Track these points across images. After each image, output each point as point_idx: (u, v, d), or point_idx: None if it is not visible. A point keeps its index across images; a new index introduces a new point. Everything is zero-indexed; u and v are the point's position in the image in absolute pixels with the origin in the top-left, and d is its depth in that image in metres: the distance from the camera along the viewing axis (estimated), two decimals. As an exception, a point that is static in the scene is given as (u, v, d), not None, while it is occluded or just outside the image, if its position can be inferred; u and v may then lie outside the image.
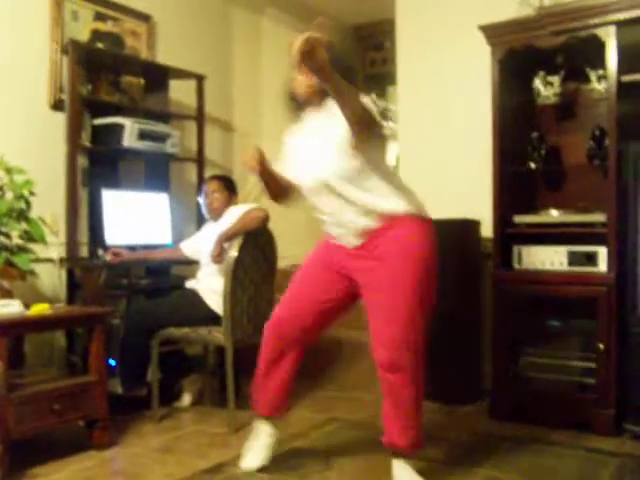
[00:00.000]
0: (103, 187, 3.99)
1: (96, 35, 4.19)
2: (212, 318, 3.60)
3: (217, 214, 3.90)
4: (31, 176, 3.20)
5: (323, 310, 2.81)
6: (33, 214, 3.20)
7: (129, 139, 3.97)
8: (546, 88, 3.79)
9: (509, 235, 3.69)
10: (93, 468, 2.96)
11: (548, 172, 3.85)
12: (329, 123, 2.58)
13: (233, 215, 3.68)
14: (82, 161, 3.98)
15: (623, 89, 3.33)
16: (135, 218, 4.15)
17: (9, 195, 3.14)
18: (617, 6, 3.26)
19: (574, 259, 3.49)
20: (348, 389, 4.30)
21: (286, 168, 2.82)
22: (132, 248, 3.97)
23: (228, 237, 3.55)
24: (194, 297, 3.71)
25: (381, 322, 2.59)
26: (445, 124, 4.31)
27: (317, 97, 2.66)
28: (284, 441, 3.12)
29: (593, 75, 3.65)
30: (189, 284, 3.84)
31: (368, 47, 7.00)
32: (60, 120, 3.87)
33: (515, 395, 3.59)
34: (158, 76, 4.50)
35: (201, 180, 4.46)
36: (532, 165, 3.78)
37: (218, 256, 3.57)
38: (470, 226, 4.04)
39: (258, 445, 2.93)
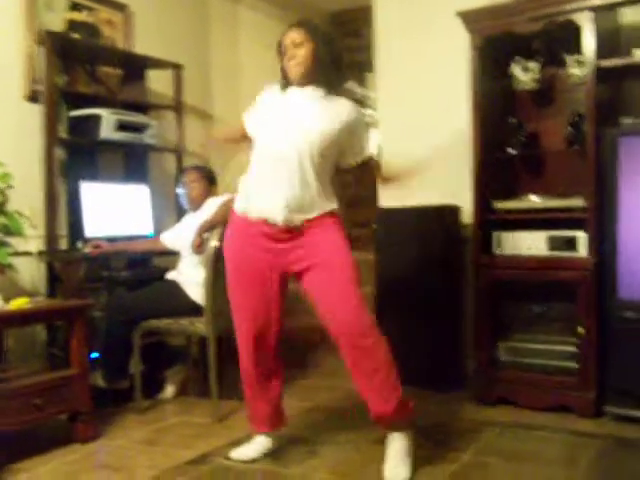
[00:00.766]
0: (82, 179, 3.96)
1: (72, 25, 4.13)
2: (194, 309, 3.59)
3: (196, 204, 3.88)
4: (8, 169, 3.16)
5: (272, 310, 2.85)
6: (10, 207, 3.17)
7: (107, 130, 3.94)
8: (524, 74, 3.79)
9: (489, 221, 3.70)
10: (77, 462, 2.95)
11: (527, 157, 3.86)
12: (326, 106, 2.72)
13: (213, 205, 3.67)
14: (60, 153, 3.93)
15: (600, 74, 3.34)
16: (115, 210, 4.12)
17: (-14, 189, 3.11)
18: (593, -9, 3.28)
19: (554, 244, 3.50)
20: (329, 377, 4.31)
21: (256, 123, 2.84)
22: (112, 240, 3.95)
23: (208, 227, 3.53)
24: (175, 288, 3.70)
25: (338, 295, 2.65)
26: (424, 110, 4.31)
27: (309, 72, 2.71)
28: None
29: (571, 60, 3.65)
30: (170, 275, 3.82)
31: (346, 34, 6.95)
32: (36, 112, 3.82)
33: (497, 380, 3.62)
34: (135, 66, 4.47)
35: (180, 171, 4.44)
36: (511, 151, 3.78)
37: (198, 247, 3.55)
38: (450, 212, 4.05)
39: (254, 447, 2.96)
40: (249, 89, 5.52)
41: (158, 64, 4.49)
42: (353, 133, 2.78)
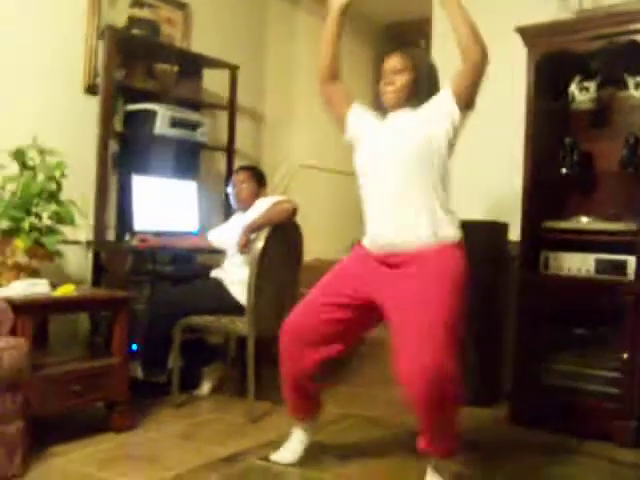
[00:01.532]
0: (133, 172, 4.01)
1: (132, 21, 4.19)
2: (236, 308, 3.61)
3: (245, 205, 3.91)
4: (63, 158, 3.22)
5: (338, 326, 2.71)
6: (63, 196, 3.22)
7: (161, 126, 4.00)
8: (581, 93, 3.75)
9: (537, 240, 3.66)
10: (111, 450, 2.99)
11: (580, 178, 3.80)
12: (421, 121, 2.64)
13: (261, 206, 3.69)
14: (113, 146, 4.00)
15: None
16: (163, 205, 4.17)
17: (41, 176, 3.16)
18: (659, 12, 3.23)
19: (602, 267, 3.45)
20: (365, 385, 4.29)
21: (362, 143, 2.77)
22: (159, 234, 4.00)
23: (255, 228, 3.55)
24: (219, 286, 3.73)
25: (415, 335, 2.42)
26: (478, 125, 4.22)
27: (403, 101, 2.69)
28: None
29: (631, 82, 3.60)
30: (214, 273, 3.85)
31: (401, 45, 6.96)
32: (94, 104, 3.89)
33: (536, 401, 3.57)
34: (192, 64, 4.52)
35: (230, 170, 4.48)
36: (564, 170, 3.73)
37: (244, 246, 3.57)
38: (498, 229, 4.01)
39: (292, 446, 2.93)
40: (302, 93, 5.58)
41: (214, 63, 4.54)
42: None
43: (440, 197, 2.61)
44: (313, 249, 4.33)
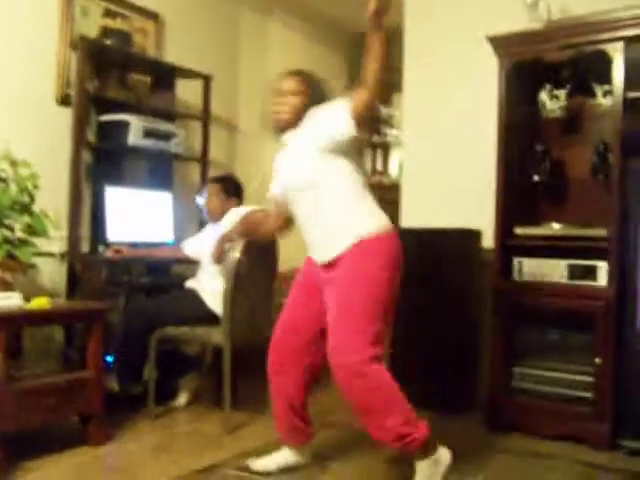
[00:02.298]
0: (107, 183, 4.00)
1: (105, 32, 4.19)
2: (211, 318, 3.60)
3: (214, 217, 3.94)
4: (36, 170, 3.20)
5: (316, 333, 2.80)
6: (36, 208, 3.20)
7: (134, 137, 3.99)
8: (552, 101, 3.81)
9: (510, 246, 3.69)
10: (87, 464, 2.97)
11: (551, 185, 3.85)
12: (308, 134, 2.72)
13: (235, 217, 3.68)
14: (87, 157, 3.98)
15: (628, 105, 3.33)
16: (137, 215, 4.15)
17: (13, 188, 3.14)
18: (626, 22, 3.27)
19: (574, 273, 3.49)
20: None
21: (277, 184, 2.95)
22: (134, 245, 3.98)
23: (229, 238, 3.55)
24: (194, 297, 3.72)
25: (331, 334, 2.61)
26: (449, 133, 4.32)
27: (297, 119, 2.79)
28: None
29: (599, 90, 3.66)
30: (189, 283, 3.84)
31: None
32: (66, 115, 3.87)
33: (510, 406, 3.60)
34: (165, 75, 4.52)
35: (204, 180, 4.47)
36: (536, 177, 3.79)
37: (219, 257, 3.57)
38: (471, 236, 4.05)
39: (277, 458, 2.94)
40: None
41: (187, 74, 4.53)
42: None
43: (349, 198, 2.70)
44: (289, 259, 4.32)
